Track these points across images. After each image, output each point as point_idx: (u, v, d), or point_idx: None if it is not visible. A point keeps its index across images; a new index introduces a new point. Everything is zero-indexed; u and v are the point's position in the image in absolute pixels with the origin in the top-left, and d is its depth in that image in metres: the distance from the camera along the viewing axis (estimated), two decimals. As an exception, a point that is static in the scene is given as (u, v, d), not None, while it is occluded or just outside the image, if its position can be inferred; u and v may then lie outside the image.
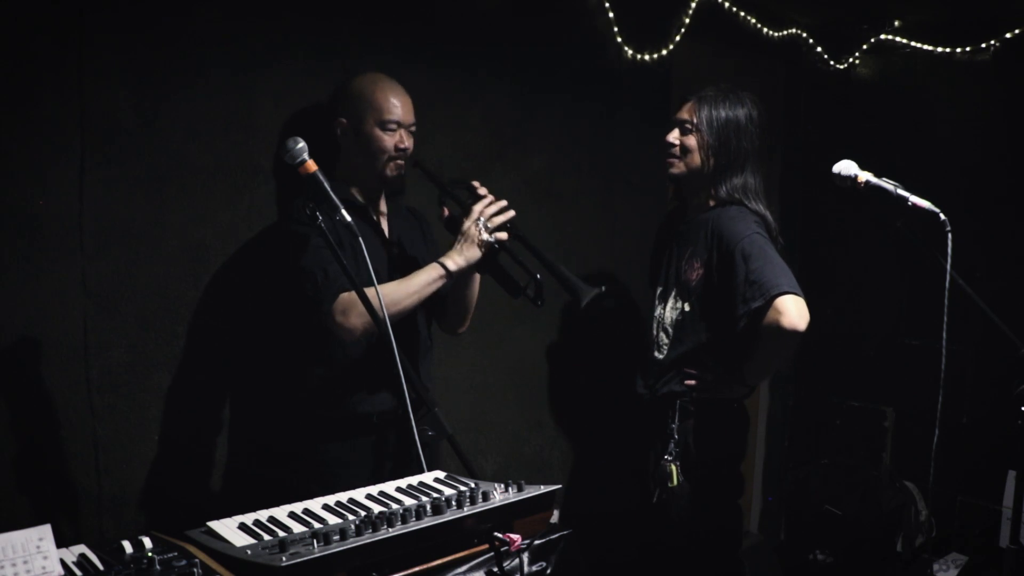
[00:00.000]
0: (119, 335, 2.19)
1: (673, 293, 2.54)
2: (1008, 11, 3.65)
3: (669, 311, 2.53)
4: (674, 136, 2.51)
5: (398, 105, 2.24)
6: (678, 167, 2.52)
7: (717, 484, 2.50)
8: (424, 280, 2.16)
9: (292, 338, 2.31)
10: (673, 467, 2.42)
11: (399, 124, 2.24)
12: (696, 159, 2.48)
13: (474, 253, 2.19)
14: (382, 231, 2.33)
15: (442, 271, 2.17)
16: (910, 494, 3.71)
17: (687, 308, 2.48)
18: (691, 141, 2.47)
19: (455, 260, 2.18)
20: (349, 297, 2.07)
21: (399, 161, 2.26)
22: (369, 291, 1.96)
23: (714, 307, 2.44)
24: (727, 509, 2.53)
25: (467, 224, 2.20)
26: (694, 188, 2.54)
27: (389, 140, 2.23)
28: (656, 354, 2.56)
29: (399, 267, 2.31)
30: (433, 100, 2.77)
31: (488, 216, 2.21)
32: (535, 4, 3.01)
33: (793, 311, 2.25)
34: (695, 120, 2.46)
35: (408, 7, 2.67)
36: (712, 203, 2.52)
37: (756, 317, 2.32)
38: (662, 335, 2.55)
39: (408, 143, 2.27)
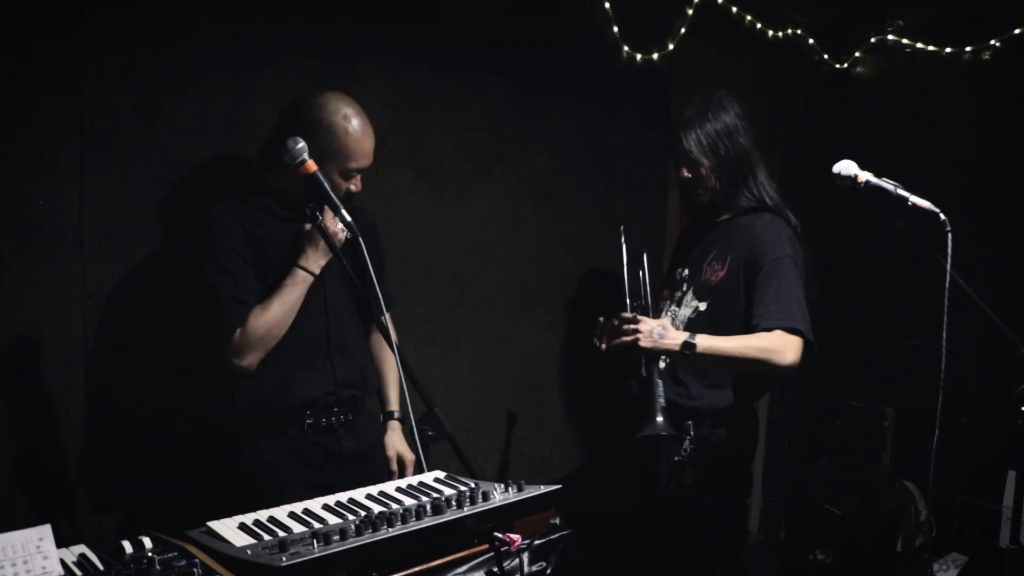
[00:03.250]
0: (119, 335, 2.19)
1: (690, 292, 2.54)
2: (1008, 11, 3.64)
3: (682, 309, 2.53)
4: (685, 173, 2.51)
5: (367, 154, 2.14)
6: (703, 196, 2.53)
7: (730, 484, 2.52)
8: None
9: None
10: (687, 465, 2.44)
11: (359, 171, 2.17)
12: (712, 183, 2.48)
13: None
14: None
15: None
16: (910, 494, 3.71)
17: (703, 307, 2.49)
18: (699, 170, 2.48)
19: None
20: (241, 338, 2.04)
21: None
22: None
23: (729, 309, 2.45)
24: (737, 508, 2.55)
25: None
26: (716, 205, 2.54)
27: (344, 184, 2.15)
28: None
29: (329, 286, 2.20)
30: (433, 100, 2.78)
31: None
32: (535, 4, 3.01)
33: (793, 352, 2.34)
34: (690, 150, 2.45)
35: (408, 7, 2.67)
36: (732, 212, 2.53)
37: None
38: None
39: (360, 186, 2.19)
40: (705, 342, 2.32)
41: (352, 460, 2.25)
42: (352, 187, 2.16)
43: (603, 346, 2.35)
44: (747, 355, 2.35)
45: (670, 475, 2.49)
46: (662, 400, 2.29)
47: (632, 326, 2.29)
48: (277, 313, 2.07)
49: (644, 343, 2.31)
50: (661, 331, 2.31)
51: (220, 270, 2.07)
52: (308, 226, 2.09)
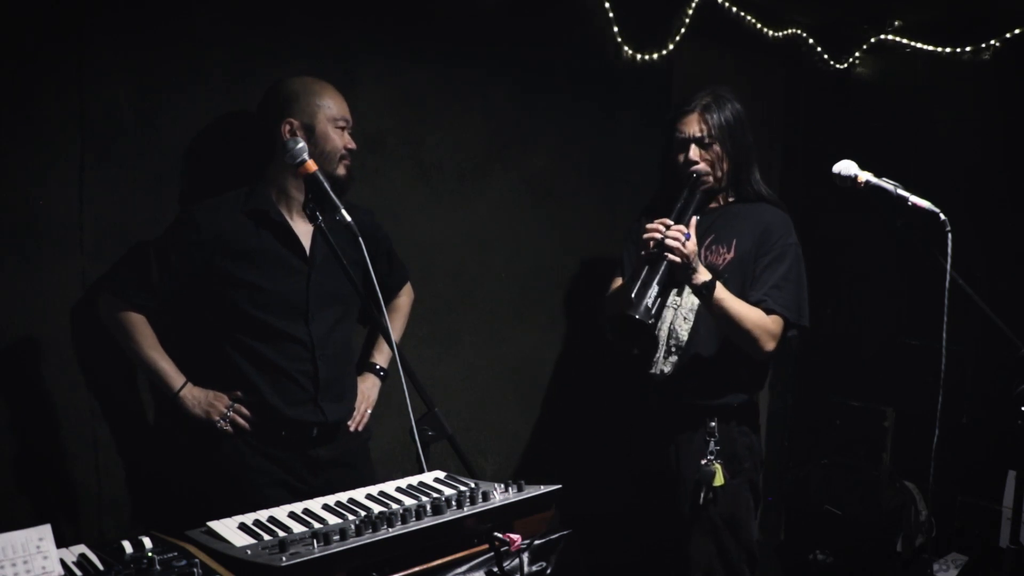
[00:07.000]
0: (119, 335, 2.19)
1: None
2: (1008, 11, 3.64)
3: (687, 297, 2.52)
4: (695, 153, 2.47)
5: (344, 105, 2.25)
6: (710, 181, 2.50)
7: (754, 481, 2.54)
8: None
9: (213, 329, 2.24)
10: (717, 466, 2.44)
11: (347, 123, 2.24)
12: (721, 168, 2.48)
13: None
14: (302, 249, 2.22)
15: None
16: (910, 494, 3.71)
17: None
18: (710, 153, 2.47)
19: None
20: (108, 313, 2.12)
21: (348, 161, 2.24)
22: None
23: (741, 292, 2.45)
24: (757, 505, 2.57)
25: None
26: (712, 193, 2.54)
27: (340, 139, 2.22)
28: (672, 344, 2.54)
29: (317, 290, 2.23)
30: (433, 100, 2.78)
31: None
32: (535, 4, 3.01)
33: (776, 342, 2.40)
34: (708, 131, 2.45)
35: (408, 7, 2.67)
36: (729, 200, 2.55)
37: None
38: (680, 320, 2.53)
39: (355, 144, 2.26)
40: (722, 293, 2.34)
41: (329, 465, 2.27)
42: (347, 142, 2.23)
43: (654, 236, 2.26)
44: (746, 325, 2.36)
45: (700, 477, 2.46)
46: (651, 298, 2.23)
47: (683, 240, 2.25)
48: (130, 347, 2.15)
49: (679, 259, 2.25)
50: (697, 261, 2.31)
51: (160, 257, 2.11)
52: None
